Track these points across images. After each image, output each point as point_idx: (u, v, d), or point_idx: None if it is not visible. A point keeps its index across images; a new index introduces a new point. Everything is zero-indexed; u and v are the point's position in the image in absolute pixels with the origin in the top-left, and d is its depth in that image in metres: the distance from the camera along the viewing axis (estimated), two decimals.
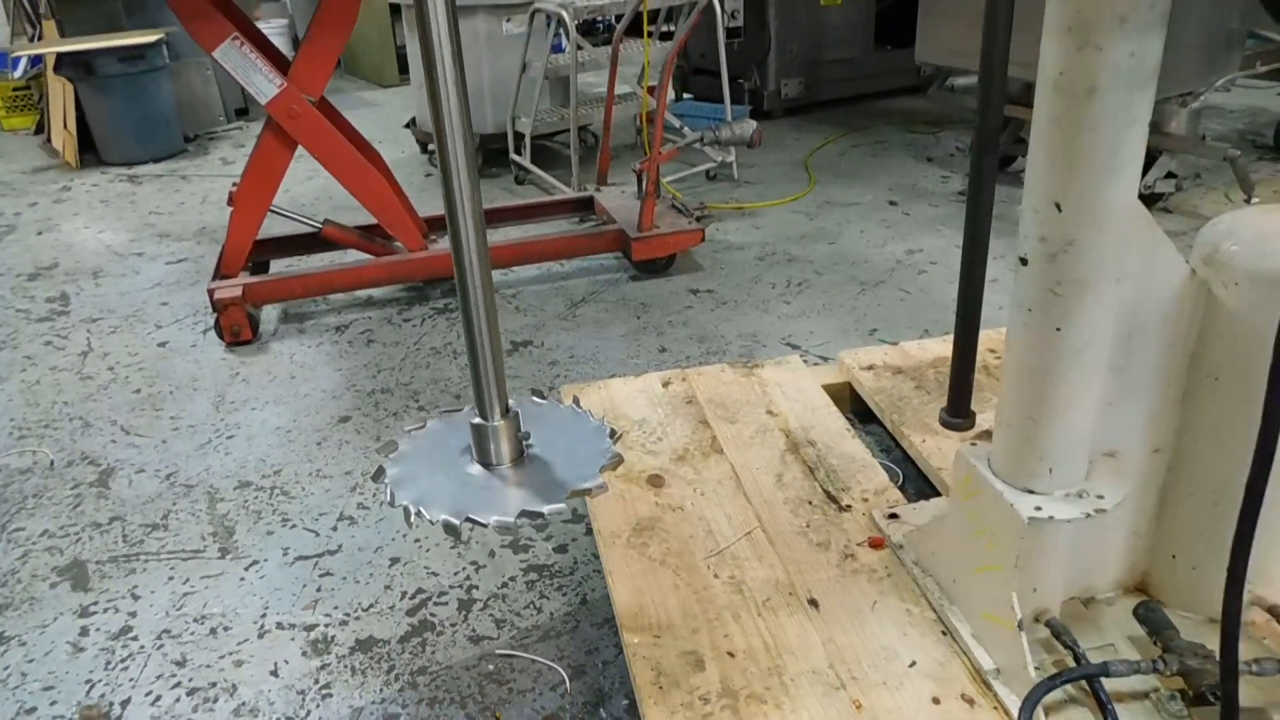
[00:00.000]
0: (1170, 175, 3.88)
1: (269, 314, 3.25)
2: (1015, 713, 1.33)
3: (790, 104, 5.42)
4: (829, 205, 4.00)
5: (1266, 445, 1.02)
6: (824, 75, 5.44)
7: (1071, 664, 1.38)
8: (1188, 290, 1.36)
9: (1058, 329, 1.28)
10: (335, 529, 2.16)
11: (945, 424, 1.60)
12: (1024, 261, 1.29)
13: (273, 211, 3.07)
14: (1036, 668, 1.37)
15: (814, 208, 3.97)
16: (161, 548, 2.14)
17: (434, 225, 3.41)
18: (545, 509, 1.20)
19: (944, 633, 1.55)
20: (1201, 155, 3.77)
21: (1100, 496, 1.39)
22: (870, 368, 2.38)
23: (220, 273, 3.12)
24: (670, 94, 5.81)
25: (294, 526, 2.17)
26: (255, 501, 2.27)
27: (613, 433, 1.39)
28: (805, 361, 2.52)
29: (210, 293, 3.00)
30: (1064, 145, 1.18)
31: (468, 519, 1.19)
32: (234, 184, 3.07)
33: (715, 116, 4.51)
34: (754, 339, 2.87)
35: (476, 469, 1.31)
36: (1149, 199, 3.84)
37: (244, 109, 6.29)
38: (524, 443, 1.33)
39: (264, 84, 2.81)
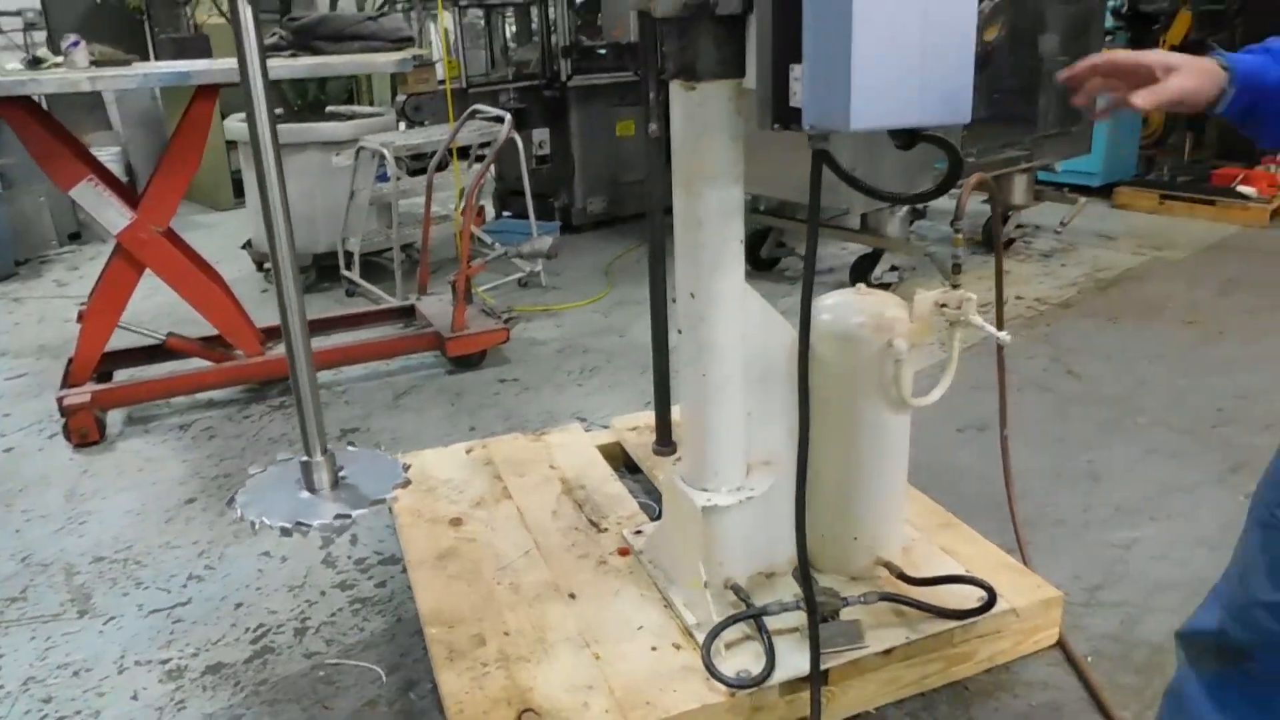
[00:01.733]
0: (894, 268, 4.80)
1: (114, 418, 3.57)
2: None
3: (595, 218, 6.17)
4: (622, 304, 4.68)
5: (804, 437, 1.67)
6: (625, 193, 6.23)
7: None
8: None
9: (703, 375, 1.92)
10: (185, 586, 2.54)
11: (657, 453, 2.21)
12: (680, 331, 1.93)
13: (120, 326, 3.45)
14: (721, 618, 1.96)
15: (610, 307, 4.65)
16: (22, 614, 2.45)
17: (270, 334, 3.86)
18: (353, 512, 1.71)
19: (666, 605, 2.12)
20: (910, 252, 4.70)
21: (753, 489, 2.01)
22: (634, 429, 2.99)
23: (68, 382, 3.44)
24: (490, 212, 6.50)
25: (147, 588, 2.54)
26: (110, 571, 2.62)
27: (406, 466, 1.92)
28: (588, 429, 3.12)
29: (59, 400, 3.32)
30: (690, 255, 1.84)
31: (298, 523, 1.68)
32: (81, 303, 3.44)
33: (525, 232, 5.15)
34: (550, 415, 3.45)
35: (305, 494, 1.81)
36: (878, 289, 4.72)
37: (76, 233, 6.52)
38: (339, 474, 1.84)
39: (116, 217, 3.24)
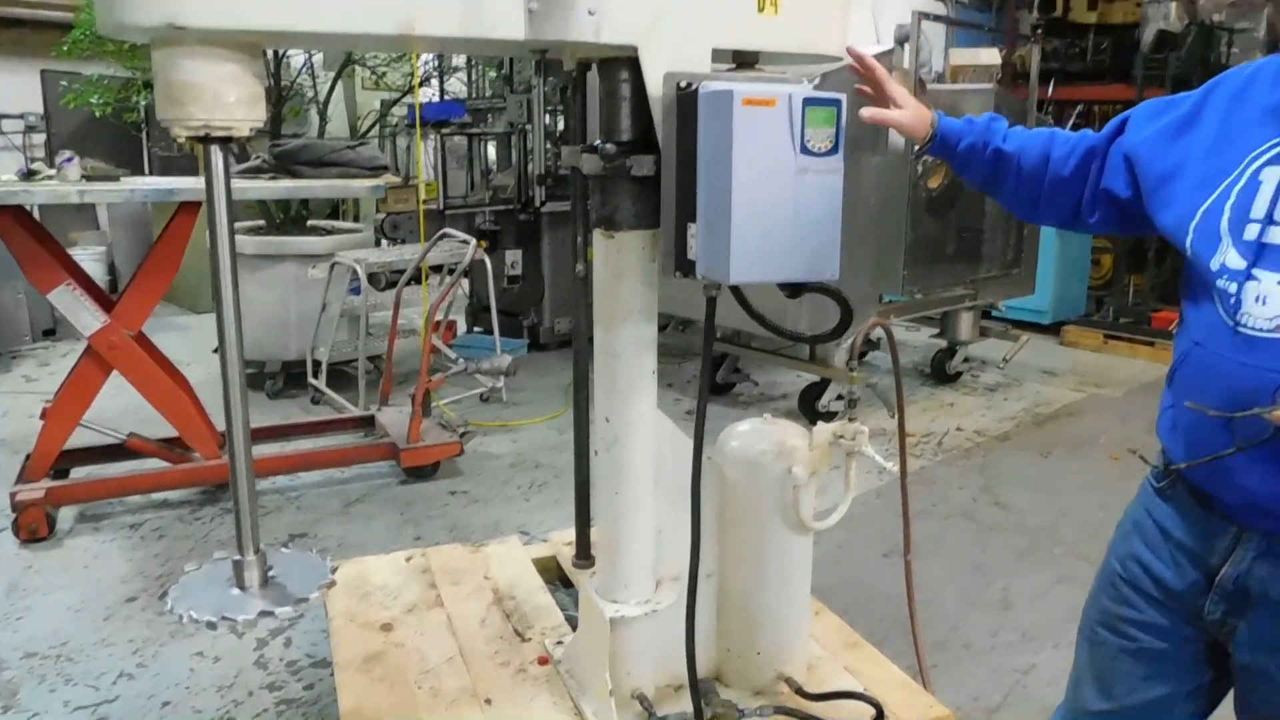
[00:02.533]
0: (840, 397, 5.01)
1: (66, 514, 3.66)
2: None
3: (562, 338, 6.39)
4: None
5: (695, 548, 1.82)
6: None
7: None
8: (709, 469, 2.20)
9: (616, 493, 2.07)
10: (115, 683, 2.60)
11: (576, 566, 2.34)
12: (596, 452, 2.10)
13: (82, 425, 3.58)
14: None
15: (566, 424, 4.81)
16: None
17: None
18: (276, 609, 1.82)
19: (576, 714, 2.20)
20: (853, 382, 4.92)
21: (660, 603, 2.14)
22: (570, 543, 3.11)
23: (23, 477, 3.54)
24: (461, 327, 6.72)
25: (76, 685, 2.60)
26: (41, 667, 2.68)
27: (333, 568, 2.04)
28: (527, 542, 3.24)
29: (12, 495, 3.42)
30: (607, 383, 2.02)
31: (223, 617, 1.80)
32: (47, 400, 3.58)
33: (492, 348, 5.36)
34: (495, 527, 3.57)
35: (235, 591, 1.92)
36: (826, 416, 4.93)
37: (51, 329, 6.68)
38: (269, 573, 1.96)
39: (89, 320, 3.42)
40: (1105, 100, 8.69)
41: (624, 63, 1.87)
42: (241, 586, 1.94)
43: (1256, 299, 1.21)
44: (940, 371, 5.75)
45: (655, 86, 1.77)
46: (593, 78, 2.00)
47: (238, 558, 1.94)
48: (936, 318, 5.67)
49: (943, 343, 5.78)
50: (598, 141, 1.94)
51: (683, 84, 1.75)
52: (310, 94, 5.66)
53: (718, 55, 1.88)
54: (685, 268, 1.78)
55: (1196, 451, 1.29)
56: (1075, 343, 6.82)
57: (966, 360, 5.86)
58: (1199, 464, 1.29)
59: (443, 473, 4.05)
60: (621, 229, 1.94)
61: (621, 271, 1.96)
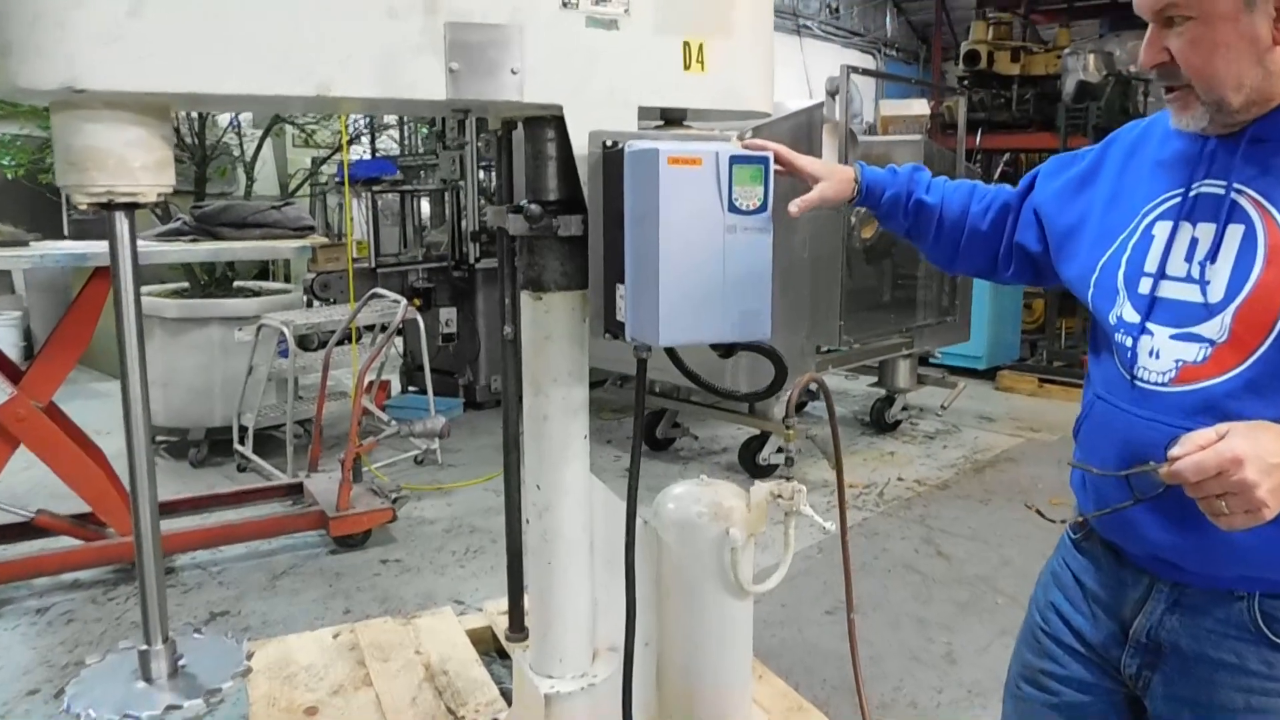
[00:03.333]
0: (780, 450, 4.98)
1: None
2: None
3: (499, 396, 6.28)
4: None
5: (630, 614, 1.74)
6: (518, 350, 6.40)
7: None
8: (644, 533, 2.13)
9: (549, 563, 1.99)
10: None
11: (509, 639, 2.24)
12: (527, 520, 2.01)
13: None
14: None
15: (502, 486, 4.69)
16: None
17: None
18: (185, 703, 1.69)
19: None
20: (792, 436, 4.89)
21: (597, 675, 2.05)
22: (504, 612, 2.99)
23: None
24: (396, 387, 6.58)
25: None
26: None
27: (249, 654, 1.91)
28: (462, 612, 3.11)
29: None
30: (537, 448, 1.95)
31: (125, 715, 1.66)
32: None
33: (426, 408, 5.23)
34: (428, 597, 3.43)
35: (140, 684, 1.78)
36: (766, 469, 4.89)
37: None
38: (179, 662, 1.83)
39: None
40: (1031, 149, 8.99)
41: (549, 121, 1.84)
42: (148, 679, 1.80)
43: (1150, 353, 1.22)
44: (880, 420, 5.77)
45: (581, 145, 1.74)
46: (519, 136, 1.96)
47: (144, 647, 1.81)
48: (874, 366, 5.71)
49: (881, 391, 5.82)
50: (524, 201, 1.89)
51: (609, 143, 1.71)
52: (237, 152, 5.54)
53: (645, 113, 1.86)
54: (615, 329, 1.74)
55: (1102, 503, 1.29)
56: (1011, 388, 6.93)
57: (905, 409, 5.90)
58: (1102, 515, 1.29)
59: (374, 540, 3.91)
60: (549, 290, 1.88)
61: (550, 333, 1.90)
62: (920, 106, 7.35)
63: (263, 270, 7.15)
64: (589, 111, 1.75)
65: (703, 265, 1.55)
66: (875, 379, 5.85)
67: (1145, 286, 1.25)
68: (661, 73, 1.80)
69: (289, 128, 6.33)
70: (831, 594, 3.42)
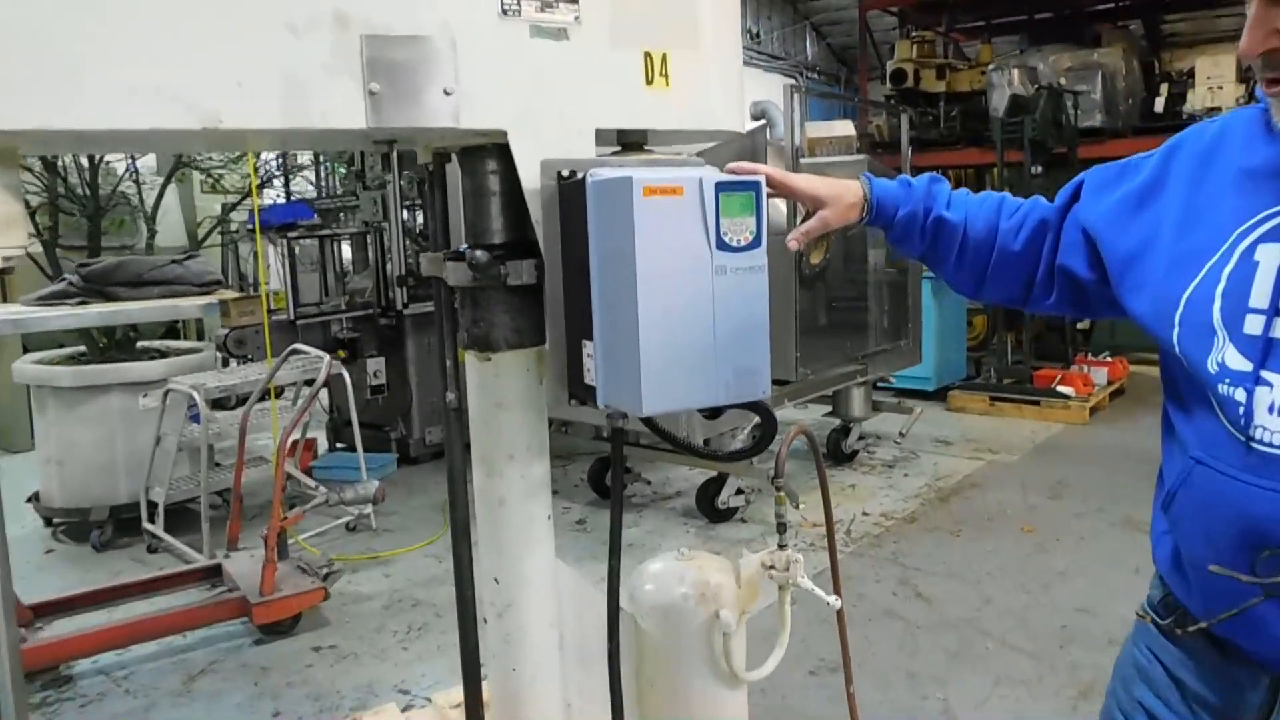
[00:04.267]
0: (740, 491, 4.72)
1: None
2: None
3: (435, 449, 5.91)
4: None
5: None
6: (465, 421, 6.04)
7: None
8: (621, 620, 1.83)
9: (513, 669, 1.68)
10: None
11: None
12: (484, 620, 1.70)
13: None
14: None
15: (445, 550, 4.31)
16: None
17: (44, 610, 3.36)
18: None
19: None
20: (754, 475, 4.64)
21: None
22: (458, 705, 2.65)
23: None
24: (323, 445, 6.15)
25: None
26: None
27: None
28: (407, 706, 2.76)
29: None
30: (492, 536, 1.65)
31: None
32: None
33: (357, 467, 4.84)
34: (369, 689, 3.06)
35: None
36: (726, 513, 4.62)
37: None
38: None
39: None
40: (961, 165, 9.00)
41: (490, 151, 1.55)
42: None
43: (1270, 408, 0.98)
44: (837, 451, 5.56)
45: (531, 177, 1.46)
46: (454, 170, 1.67)
47: None
48: (828, 395, 5.50)
49: (835, 421, 5.62)
50: (463, 247, 1.60)
51: (565, 173, 1.44)
52: (135, 202, 5.11)
53: (601, 137, 1.59)
54: (582, 394, 1.45)
55: (1215, 600, 1.06)
56: (963, 408, 6.81)
57: (862, 437, 5.70)
58: (1227, 618, 1.04)
59: (305, 625, 3.51)
60: (499, 349, 1.59)
61: (502, 400, 1.61)
62: (845, 127, 7.26)
63: (171, 329, 6.65)
64: (538, 137, 1.47)
65: (689, 315, 1.28)
66: (829, 409, 5.64)
67: (1255, 326, 1.01)
68: (620, 90, 1.53)
69: (195, 173, 5.90)
70: (812, 652, 3.16)
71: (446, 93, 1.39)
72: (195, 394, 4.01)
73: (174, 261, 3.35)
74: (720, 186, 1.27)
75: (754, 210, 1.30)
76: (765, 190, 1.32)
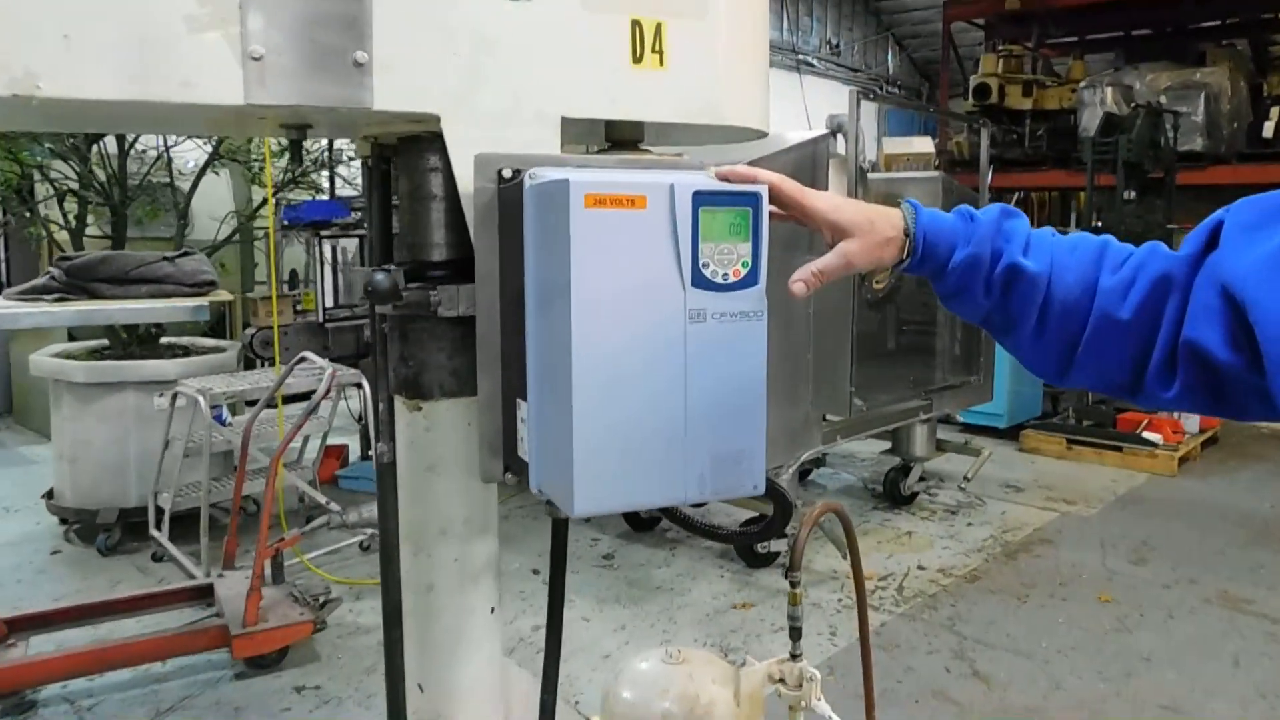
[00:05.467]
0: (782, 536, 4.31)
1: None
2: None
3: None
4: None
5: None
6: None
7: None
8: None
9: None
10: None
11: None
12: None
13: None
14: None
15: None
16: None
17: (21, 625, 3.14)
18: None
19: None
20: (796, 520, 4.22)
21: None
22: None
23: None
24: (355, 452, 5.91)
25: None
26: None
27: None
28: None
29: None
30: (420, 631, 1.30)
31: None
32: None
33: None
34: None
35: None
36: (766, 558, 4.22)
37: None
38: None
39: None
40: (1046, 187, 8.42)
41: (431, 144, 1.21)
42: None
43: None
44: (894, 492, 5.10)
45: (466, 177, 1.11)
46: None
47: None
48: (888, 431, 5.05)
49: (895, 459, 5.16)
50: (392, 265, 1.26)
51: (506, 172, 1.09)
52: (171, 191, 4.92)
53: (578, 131, 1.24)
54: (517, 466, 1.10)
55: None
56: (1036, 449, 6.27)
57: (923, 479, 5.23)
58: None
59: (293, 659, 3.23)
60: (432, 396, 1.25)
61: (435, 462, 1.26)
62: (924, 144, 6.81)
63: (216, 325, 6.50)
64: (482, 126, 1.13)
65: (648, 378, 0.91)
66: (888, 445, 5.19)
67: None
68: (597, 68, 1.18)
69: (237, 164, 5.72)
70: None
71: (357, 64, 1.06)
72: (200, 398, 3.77)
73: (165, 258, 3.11)
74: (700, 198, 0.91)
75: (749, 233, 0.94)
76: (767, 206, 0.94)
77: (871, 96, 4.37)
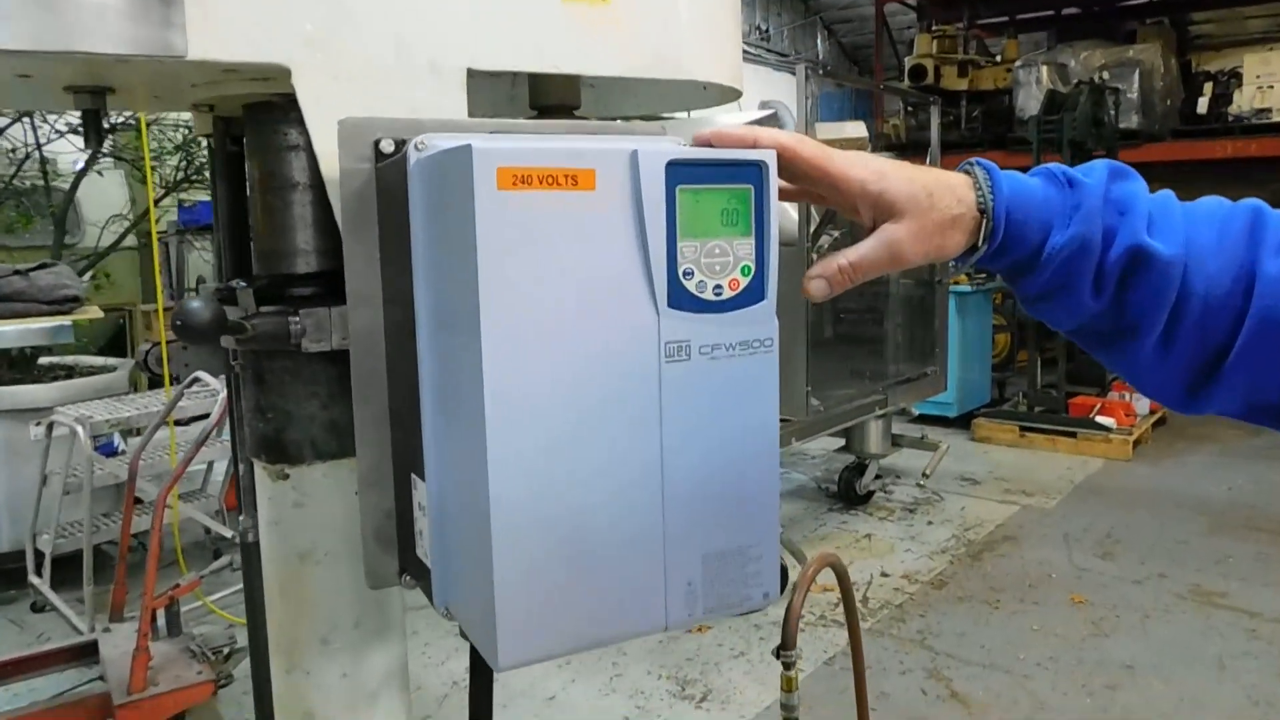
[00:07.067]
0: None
1: None
2: None
3: None
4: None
5: None
6: None
7: None
8: None
9: None
10: None
11: None
12: None
13: None
14: None
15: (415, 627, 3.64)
16: None
17: None
18: None
19: None
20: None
21: None
22: None
23: None
24: None
25: None
26: None
27: None
28: None
29: None
30: None
31: None
32: None
33: None
34: None
35: None
36: None
37: None
38: None
39: None
40: None
41: (288, 111, 0.87)
42: None
43: None
44: (849, 492, 4.85)
45: (330, 154, 0.78)
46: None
47: None
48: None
49: (849, 457, 4.92)
50: (236, 281, 0.92)
51: (386, 145, 0.75)
52: (47, 194, 4.41)
53: (500, 93, 0.91)
54: (417, 570, 0.77)
55: None
56: (989, 438, 6.10)
57: (879, 477, 4.99)
58: None
59: None
60: (302, 460, 0.91)
61: (309, 548, 0.92)
62: (858, 128, 6.59)
63: (116, 339, 5.96)
64: (351, 83, 0.79)
65: (603, 445, 0.59)
66: (841, 442, 4.94)
67: None
68: (517, 6, 0.85)
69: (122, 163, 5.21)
70: None
71: None
72: (79, 428, 3.32)
73: (16, 272, 2.68)
74: (678, 171, 0.59)
75: (751, 222, 0.62)
76: (775, 180, 0.63)
77: (820, 73, 4.10)
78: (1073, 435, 5.80)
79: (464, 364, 0.58)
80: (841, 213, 0.70)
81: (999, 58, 8.65)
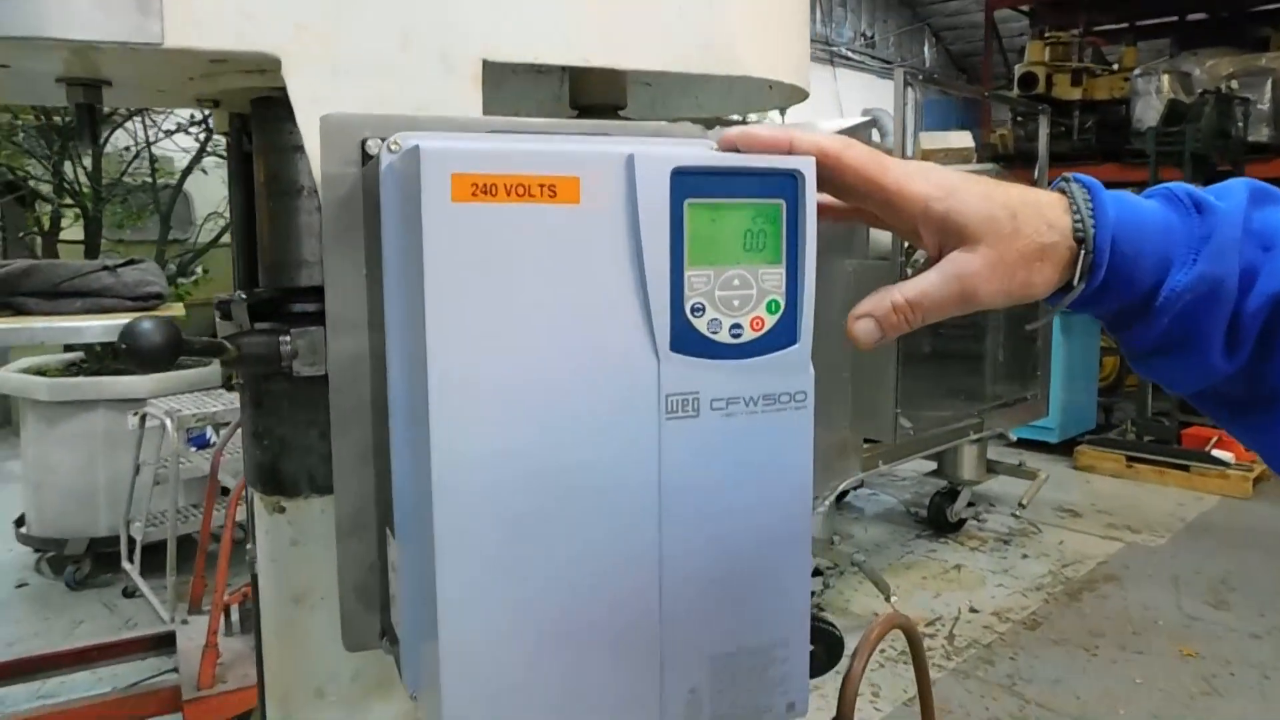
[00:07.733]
0: (817, 573, 3.86)
1: None
2: None
3: None
4: None
5: None
6: None
7: None
8: None
9: None
10: None
11: None
12: None
13: None
14: None
15: None
16: None
17: None
18: None
19: None
20: (834, 559, 3.78)
21: None
22: None
23: None
24: None
25: None
26: None
27: None
28: None
29: None
30: None
31: None
32: None
33: None
34: None
35: None
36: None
37: None
38: None
39: None
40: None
41: (290, 107, 0.80)
42: None
43: None
44: (939, 519, 4.62)
45: (316, 150, 0.69)
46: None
47: None
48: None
49: (940, 482, 4.68)
50: (236, 293, 0.85)
51: (372, 145, 0.66)
52: (152, 191, 4.55)
53: (518, 83, 0.81)
54: (395, 636, 0.67)
55: None
56: (1092, 467, 5.76)
57: (971, 505, 4.74)
58: None
59: None
60: (299, 493, 0.83)
61: (305, 590, 0.84)
62: (963, 138, 6.32)
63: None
64: (348, 76, 0.70)
65: (587, 522, 0.48)
66: (933, 466, 4.71)
67: None
68: None
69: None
70: None
71: None
72: (167, 420, 3.39)
73: (105, 268, 2.73)
74: (685, 182, 0.47)
75: (780, 246, 0.50)
76: (814, 193, 0.51)
77: (920, 80, 3.91)
78: (1185, 468, 5.41)
79: (418, 417, 0.48)
80: (901, 236, 0.57)
81: (1116, 66, 8.19)
